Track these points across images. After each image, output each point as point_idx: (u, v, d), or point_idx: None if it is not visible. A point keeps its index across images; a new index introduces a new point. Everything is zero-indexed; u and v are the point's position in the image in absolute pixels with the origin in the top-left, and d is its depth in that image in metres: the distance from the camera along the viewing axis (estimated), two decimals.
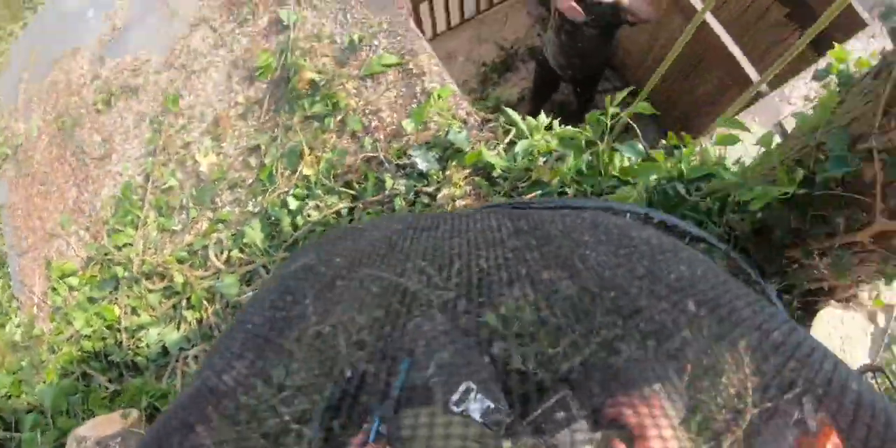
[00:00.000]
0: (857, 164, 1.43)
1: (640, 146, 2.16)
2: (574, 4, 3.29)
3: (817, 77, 2.07)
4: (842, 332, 2.19)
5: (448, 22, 5.61)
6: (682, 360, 0.99)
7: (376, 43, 2.81)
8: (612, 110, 2.18)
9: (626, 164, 2.19)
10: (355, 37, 2.85)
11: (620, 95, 2.44)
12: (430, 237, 1.16)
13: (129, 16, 3.83)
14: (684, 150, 2.18)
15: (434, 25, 5.52)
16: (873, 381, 1.81)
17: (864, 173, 1.43)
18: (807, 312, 2.14)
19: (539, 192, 2.11)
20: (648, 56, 4.96)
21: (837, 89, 1.72)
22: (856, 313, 2.26)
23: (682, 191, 2.03)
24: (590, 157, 2.19)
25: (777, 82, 3.31)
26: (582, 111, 2.22)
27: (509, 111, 2.39)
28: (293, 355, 1.09)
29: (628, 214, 1.43)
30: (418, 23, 5.19)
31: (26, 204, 3.66)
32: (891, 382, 1.76)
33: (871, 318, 2.31)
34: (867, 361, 2.15)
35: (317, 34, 2.96)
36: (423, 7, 5.12)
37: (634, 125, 2.56)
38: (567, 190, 2.07)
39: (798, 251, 1.77)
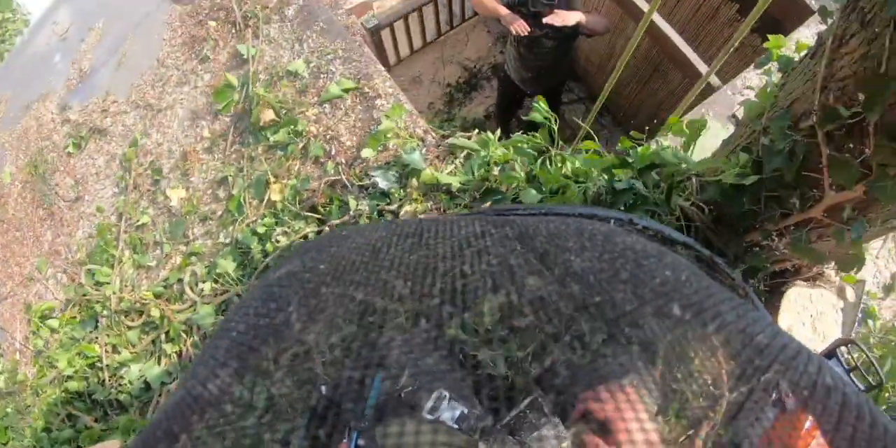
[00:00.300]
0: (802, 143, 1.47)
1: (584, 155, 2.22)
2: (519, 22, 3.37)
3: (758, 65, 2.12)
4: (812, 309, 2.20)
5: (411, 46, 5.70)
6: (666, 363, 1.02)
7: (333, 69, 2.88)
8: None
9: (578, 165, 2.24)
10: (312, 65, 2.93)
11: (594, 110, 2.53)
12: (414, 244, 1.17)
13: (94, 59, 3.90)
14: (639, 149, 2.22)
15: (397, 51, 5.61)
16: (848, 355, 1.83)
17: (809, 150, 1.47)
18: (773, 294, 2.17)
19: (494, 198, 2.17)
20: (608, 64, 5.07)
21: (780, 75, 1.78)
22: (824, 290, 2.26)
23: (633, 185, 2.07)
24: (542, 162, 2.25)
25: (731, 75, 3.40)
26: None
27: (455, 140, 2.45)
28: (278, 363, 1.11)
29: (612, 221, 1.44)
30: (381, 49, 5.28)
31: (3, 251, 3.68)
32: (866, 354, 1.78)
33: (840, 293, 2.33)
34: (840, 336, 2.16)
35: (275, 65, 3.03)
36: (385, 33, 5.20)
37: (591, 131, 2.62)
38: (520, 194, 2.13)
39: (757, 234, 1.81)
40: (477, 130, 2.49)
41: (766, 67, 2.06)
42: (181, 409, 0.83)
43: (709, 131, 2.10)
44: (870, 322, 2.48)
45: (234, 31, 3.26)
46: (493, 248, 1.09)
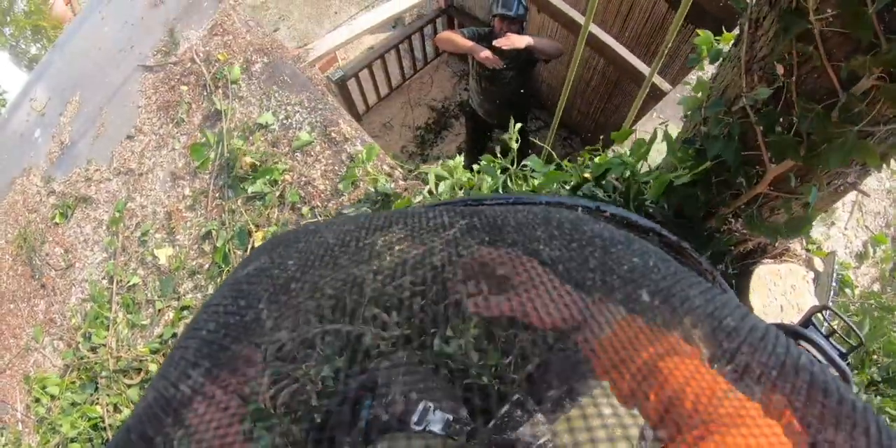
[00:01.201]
0: (737, 125, 1.57)
1: (538, 159, 2.34)
2: (489, 54, 3.60)
3: (690, 62, 2.23)
4: (783, 284, 2.26)
5: (378, 93, 5.90)
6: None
7: (300, 118, 3.05)
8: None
9: (540, 181, 2.37)
10: (281, 117, 3.10)
11: (553, 128, 2.67)
12: (383, 236, 1.13)
13: (73, 131, 4.05)
14: (597, 158, 2.33)
15: (365, 99, 5.81)
16: (825, 322, 1.89)
17: (745, 131, 1.57)
18: (743, 276, 2.26)
19: None
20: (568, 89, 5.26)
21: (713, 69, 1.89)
22: (792, 264, 2.31)
23: (591, 192, 2.18)
24: (505, 181, 2.38)
25: (679, 79, 3.57)
26: (521, 152, 2.43)
27: (426, 168, 2.60)
28: (251, 362, 1.13)
29: (580, 208, 1.41)
30: (349, 100, 5.48)
31: None
32: (842, 318, 1.85)
33: (808, 265, 2.38)
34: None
35: (246, 121, 3.19)
36: (351, 84, 5.41)
37: (552, 151, 2.77)
38: None
39: (714, 220, 1.90)
40: (441, 160, 2.64)
41: (699, 63, 2.19)
42: (154, 411, 0.82)
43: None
44: (847, 290, 2.56)
45: (205, 93, 3.43)
46: (462, 238, 1.08)
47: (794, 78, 1.32)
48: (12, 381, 3.54)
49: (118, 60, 4.08)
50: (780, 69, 1.35)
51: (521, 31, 3.77)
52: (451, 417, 1.04)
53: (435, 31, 6.01)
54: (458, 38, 3.75)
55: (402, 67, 5.95)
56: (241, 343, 0.95)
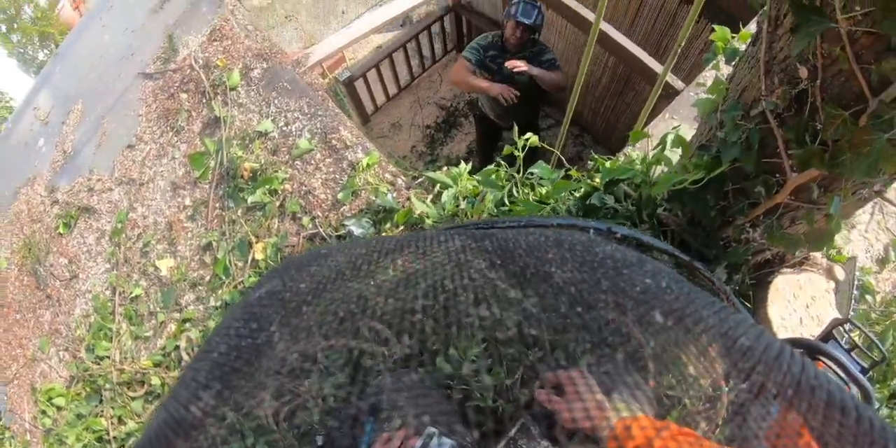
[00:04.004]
0: (756, 130, 1.48)
1: (545, 165, 2.25)
2: (504, 89, 3.59)
3: (706, 61, 2.13)
4: (803, 296, 2.16)
5: (386, 93, 5.84)
6: (652, 370, 1.02)
7: (300, 126, 2.98)
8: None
9: (548, 189, 2.28)
10: (280, 124, 3.02)
11: (563, 130, 2.58)
12: (395, 260, 1.17)
13: (76, 139, 4.02)
14: (608, 163, 2.24)
15: (373, 99, 5.74)
16: (846, 334, 1.81)
17: (764, 136, 1.47)
18: (760, 286, 2.16)
19: None
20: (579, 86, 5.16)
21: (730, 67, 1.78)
22: (811, 274, 2.21)
23: (601, 201, 2.09)
24: (511, 191, 2.29)
25: (692, 77, 3.45)
26: (532, 153, 2.37)
27: (430, 173, 2.52)
28: (263, 385, 1.11)
29: (592, 230, 1.44)
30: (357, 100, 5.41)
31: (5, 335, 3.73)
32: (863, 332, 1.76)
33: (829, 274, 2.29)
34: (837, 317, 2.09)
35: (246, 129, 3.12)
36: (359, 84, 5.33)
37: (559, 154, 2.68)
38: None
39: (730, 229, 1.81)
40: (446, 167, 2.55)
41: (713, 62, 2.08)
42: (164, 432, 0.82)
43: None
44: (868, 297, 2.45)
45: (204, 100, 3.37)
46: (474, 261, 1.10)
47: (818, 81, 1.22)
48: (20, 391, 3.52)
49: (119, 68, 4.03)
50: (802, 72, 1.25)
51: (535, 38, 3.73)
52: (454, 444, 0.99)
53: (443, 29, 5.92)
54: (468, 81, 3.79)
55: (410, 66, 5.87)
56: (253, 366, 0.98)
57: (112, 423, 2.96)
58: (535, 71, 3.60)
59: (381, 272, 1.15)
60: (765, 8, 1.36)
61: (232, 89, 3.25)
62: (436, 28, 5.79)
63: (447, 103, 6.05)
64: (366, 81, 5.42)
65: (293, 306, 1.06)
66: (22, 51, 11.26)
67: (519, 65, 3.53)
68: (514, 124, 2.49)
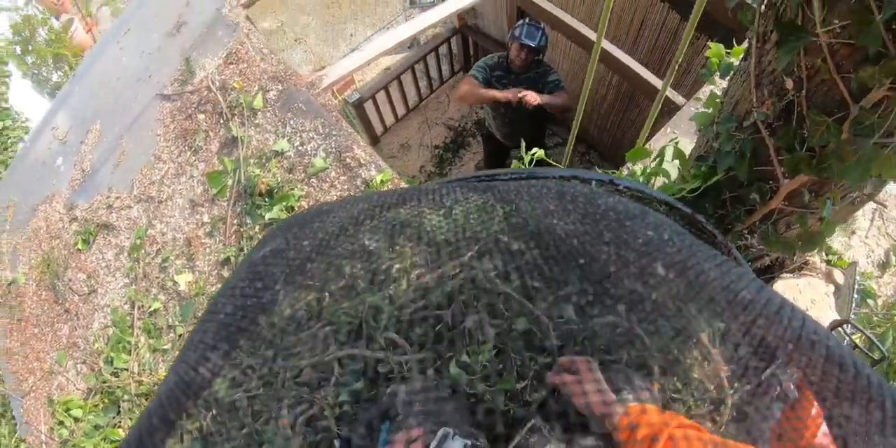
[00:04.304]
0: (748, 140, 1.56)
1: None
2: (516, 93, 3.67)
3: (703, 76, 2.22)
4: (803, 299, 2.23)
5: (395, 114, 5.94)
6: (653, 322, 1.00)
7: (315, 145, 3.09)
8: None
9: None
10: (296, 144, 3.14)
11: (569, 147, 2.67)
12: (397, 213, 1.15)
13: (94, 158, 4.13)
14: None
15: (382, 121, 5.85)
16: (846, 336, 1.86)
17: (756, 146, 1.56)
18: None
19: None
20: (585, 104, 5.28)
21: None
22: (811, 278, 2.28)
23: None
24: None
25: (693, 93, 3.55)
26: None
27: None
28: (271, 343, 1.08)
29: (594, 182, 1.40)
30: (366, 121, 5.53)
31: (23, 348, 3.81)
32: (863, 332, 1.81)
33: (828, 278, 2.33)
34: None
35: (262, 149, 3.24)
36: (368, 106, 5.45)
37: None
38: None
39: (729, 237, 1.87)
40: None
41: (710, 77, 2.17)
42: (175, 395, 0.83)
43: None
44: (869, 301, 2.49)
45: (221, 121, 3.49)
46: (476, 214, 1.09)
47: (803, 91, 1.31)
48: (37, 403, 3.59)
49: (136, 89, 4.16)
50: (789, 83, 1.34)
51: (539, 59, 3.86)
52: (469, 443, 1.03)
53: (450, 51, 6.06)
54: (477, 92, 3.86)
55: (418, 87, 6.00)
56: (259, 325, 0.99)
57: None
58: (544, 99, 3.70)
59: (383, 226, 1.13)
60: (754, 25, 1.45)
61: (256, 111, 3.37)
62: (443, 49, 5.93)
63: (455, 124, 6.17)
64: (375, 103, 5.54)
65: (297, 264, 1.06)
66: (36, 72, 11.47)
67: (531, 101, 3.64)
68: (522, 142, 2.59)
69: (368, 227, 1.12)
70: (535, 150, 2.34)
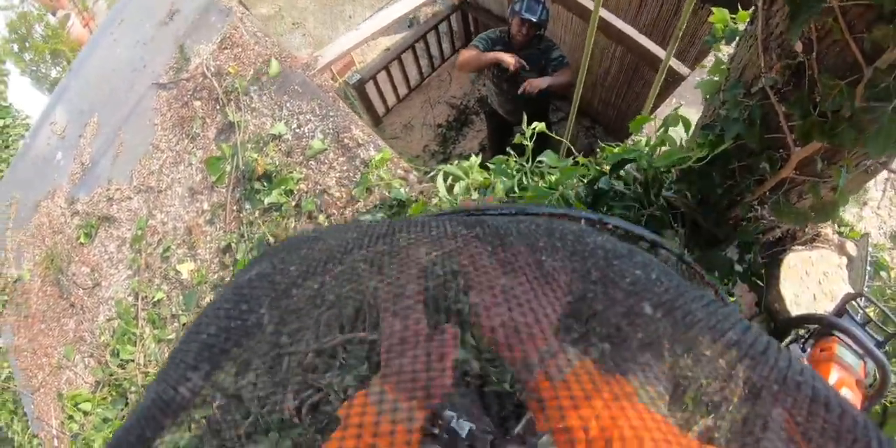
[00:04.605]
0: (757, 106, 1.49)
1: (553, 154, 2.26)
2: (514, 59, 3.63)
3: (707, 43, 2.14)
4: (815, 272, 2.16)
5: (397, 94, 5.87)
6: (638, 362, 1.04)
7: (312, 127, 3.03)
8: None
9: (557, 177, 2.29)
10: (293, 126, 3.08)
11: (571, 119, 2.62)
12: (386, 245, 1.21)
13: (93, 151, 4.10)
14: (616, 149, 2.25)
15: (384, 101, 5.78)
16: (860, 309, 1.80)
17: (766, 113, 1.48)
18: (773, 264, 2.16)
19: None
20: (587, 77, 5.19)
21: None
22: (823, 250, 2.21)
23: (609, 185, 2.10)
24: (521, 179, 2.31)
25: (699, 62, 3.46)
26: (542, 145, 2.42)
27: (443, 166, 2.55)
28: (250, 366, 1.11)
29: (583, 220, 1.47)
30: (368, 102, 5.46)
31: (31, 344, 3.81)
32: (877, 305, 1.75)
33: (841, 250, 2.28)
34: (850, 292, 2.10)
35: (259, 133, 3.18)
36: (369, 86, 5.38)
37: (573, 143, 2.70)
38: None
39: (739, 208, 1.82)
40: (456, 161, 2.58)
41: (715, 44, 2.09)
42: (153, 412, 0.82)
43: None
44: (882, 273, 2.44)
45: (218, 106, 3.43)
46: (465, 248, 1.14)
47: (814, 54, 1.23)
48: (46, 398, 3.59)
49: (132, 80, 4.11)
50: (798, 46, 1.27)
51: (541, 35, 3.80)
52: (474, 426, 1.01)
53: (450, 28, 5.97)
54: (478, 55, 3.81)
55: (419, 66, 5.91)
56: (242, 347, 0.95)
57: None
58: (547, 82, 3.71)
59: (371, 257, 1.17)
60: None
61: (244, 95, 3.31)
62: (443, 27, 5.83)
63: (458, 102, 6.09)
64: (376, 84, 5.46)
65: (283, 288, 1.00)
66: (35, 69, 11.45)
67: (534, 86, 3.67)
68: (525, 118, 2.54)
69: (357, 255, 1.12)
70: (535, 124, 2.27)
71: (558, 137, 2.45)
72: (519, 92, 3.70)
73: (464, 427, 1.04)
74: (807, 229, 2.23)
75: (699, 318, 0.77)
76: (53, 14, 11.52)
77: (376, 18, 3.74)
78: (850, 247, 2.31)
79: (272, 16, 7.04)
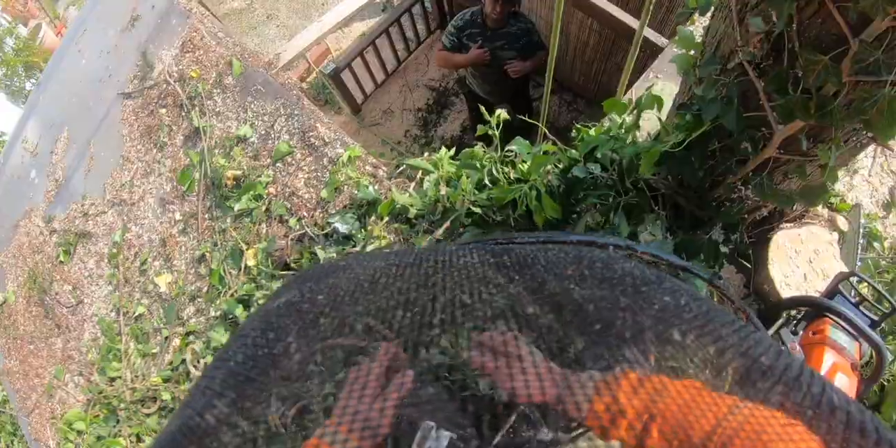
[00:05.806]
0: (734, 84, 1.42)
1: (523, 141, 2.18)
2: (478, 55, 3.66)
3: (679, 16, 2.06)
4: (805, 250, 2.09)
5: (374, 81, 5.78)
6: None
7: (278, 127, 2.94)
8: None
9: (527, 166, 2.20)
10: (259, 128, 2.99)
11: (546, 92, 2.54)
12: (414, 274, 1.17)
13: (66, 167, 4.02)
14: (591, 131, 2.16)
15: (362, 88, 5.69)
16: (853, 288, 1.74)
17: (745, 90, 1.41)
18: (760, 244, 2.08)
19: (451, 218, 2.16)
20: (567, 52, 5.08)
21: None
22: (813, 227, 2.14)
23: (591, 171, 2.02)
24: (490, 171, 2.22)
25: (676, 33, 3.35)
26: (526, 125, 2.36)
27: (410, 160, 2.46)
28: (278, 395, 1.10)
29: (611, 247, 1.44)
30: (345, 91, 5.37)
31: (22, 366, 3.76)
32: (870, 283, 1.70)
33: (832, 225, 2.21)
34: (844, 270, 2.03)
35: (226, 137, 3.09)
36: (346, 74, 5.28)
37: (547, 124, 2.60)
38: (473, 209, 2.11)
39: (721, 189, 1.76)
40: (427, 153, 2.49)
41: (688, 17, 2.00)
42: (178, 439, 0.83)
43: (664, 93, 1.99)
44: (875, 244, 2.35)
45: (183, 113, 3.34)
46: (493, 277, 1.10)
47: (794, 25, 1.14)
48: (41, 419, 3.56)
49: (99, 91, 4.01)
50: (775, 15, 1.17)
51: (516, 11, 3.76)
52: (454, 435, 0.96)
53: (423, 10, 5.85)
54: (449, 60, 3.94)
55: (395, 51, 5.79)
56: (268, 375, 0.98)
57: (130, 442, 2.98)
58: (529, 68, 3.83)
59: (398, 286, 1.14)
60: None
61: (208, 99, 3.22)
62: (417, 9, 5.70)
63: (436, 84, 6.01)
64: (352, 71, 5.35)
65: (310, 318, 1.07)
66: (9, 83, 11.32)
67: (516, 72, 3.80)
68: (508, 94, 2.45)
69: (382, 285, 1.12)
70: (499, 112, 2.17)
71: (534, 122, 2.36)
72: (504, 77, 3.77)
73: (443, 438, 0.98)
74: (794, 208, 2.15)
75: (730, 344, 0.78)
76: (25, 25, 11.37)
77: (341, 6, 3.62)
78: (842, 222, 2.23)
79: (244, 9, 6.91)
